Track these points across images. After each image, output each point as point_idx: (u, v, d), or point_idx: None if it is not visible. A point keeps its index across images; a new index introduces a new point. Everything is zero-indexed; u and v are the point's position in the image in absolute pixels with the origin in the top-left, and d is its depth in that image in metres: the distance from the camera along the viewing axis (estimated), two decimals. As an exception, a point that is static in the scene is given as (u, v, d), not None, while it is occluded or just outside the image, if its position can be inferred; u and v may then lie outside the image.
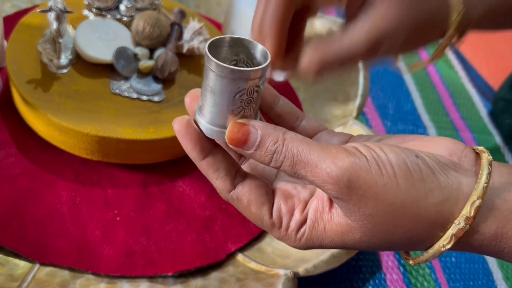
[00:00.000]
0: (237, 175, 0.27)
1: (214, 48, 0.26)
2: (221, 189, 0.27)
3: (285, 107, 0.30)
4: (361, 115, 0.62)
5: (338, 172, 0.24)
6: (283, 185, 0.28)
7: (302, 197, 0.27)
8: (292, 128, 0.30)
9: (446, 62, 0.77)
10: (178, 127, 0.26)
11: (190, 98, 0.28)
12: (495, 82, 0.73)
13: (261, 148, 0.25)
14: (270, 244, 0.46)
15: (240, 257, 0.44)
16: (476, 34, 0.76)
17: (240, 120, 0.26)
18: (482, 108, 0.71)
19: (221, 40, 0.26)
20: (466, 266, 0.50)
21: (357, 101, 0.55)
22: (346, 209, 0.25)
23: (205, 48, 0.25)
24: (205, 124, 0.26)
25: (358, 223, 0.25)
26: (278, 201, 0.27)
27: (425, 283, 0.47)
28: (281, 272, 0.40)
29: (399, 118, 0.65)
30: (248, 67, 0.27)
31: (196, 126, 0.26)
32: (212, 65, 0.24)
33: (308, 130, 0.30)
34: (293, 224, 0.27)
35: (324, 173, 0.24)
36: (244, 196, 0.27)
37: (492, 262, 0.52)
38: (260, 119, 0.28)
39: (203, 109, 0.26)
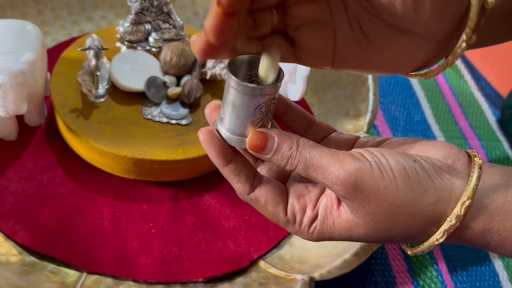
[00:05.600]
0: (255, 178, 0.30)
1: (234, 66, 0.28)
2: (241, 192, 0.30)
3: (296, 113, 0.32)
4: (372, 128, 0.66)
5: (345, 175, 0.27)
6: (295, 185, 0.31)
7: (313, 195, 0.30)
8: (305, 130, 0.33)
9: (455, 72, 0.79)
10: (203, 137, 0.29)
11: (210, 110, 0.30)
12: (504, 90, 0.75)
13: (278, 153, 0.28)
14: (289, 252, 0.50)
15: (262, 263, 0.49)
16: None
17: (259, 129, 0.29)
18: (491, 116, 0.73)
19: (240, 59, 0.28)
20: (472, 269, 0.54)
21: (368, 116, 0.59)
22: (352, 207, 0.28)
23: (226, 66, 0.28)
24: (226, 133, 0.29)
25: (363, 220, 0.28)
26: (292, 200, 0.30)
27: (432, 285, 0.51)
28: (299, 277, 0.44)
29: (409, 129, 0.68)
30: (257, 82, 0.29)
31: (218, 135, 0.29)
32: (233, 82, 0.27)
33: (319, 132, 0.33)
34: (306, 220, 0.30)
35: (333, 176, 0.27)
36: (262, 197, 0.30)
37: (498, 264, 0.55)
38: (273, 125, 0.31)
39: (224, 119, 0.29)
